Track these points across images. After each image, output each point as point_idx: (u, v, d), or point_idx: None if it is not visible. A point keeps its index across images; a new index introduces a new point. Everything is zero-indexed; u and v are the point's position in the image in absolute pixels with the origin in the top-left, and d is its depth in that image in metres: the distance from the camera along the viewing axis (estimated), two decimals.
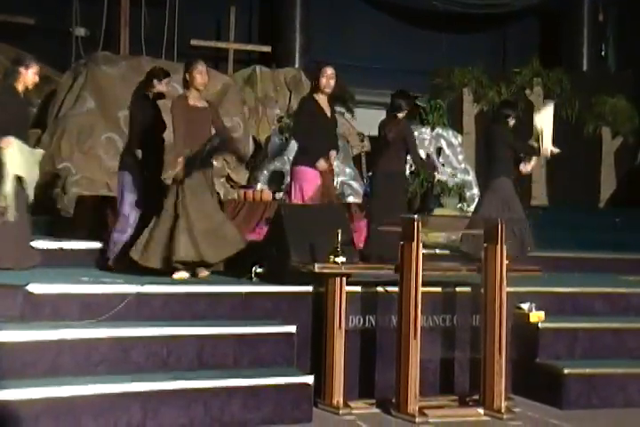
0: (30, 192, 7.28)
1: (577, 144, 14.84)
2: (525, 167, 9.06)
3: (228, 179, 11.13)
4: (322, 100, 8.00)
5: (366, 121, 14.75)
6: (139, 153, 7.69)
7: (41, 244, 7.72)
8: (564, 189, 14.50)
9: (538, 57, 15.58)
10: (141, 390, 5.63)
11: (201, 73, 7.44)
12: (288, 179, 8.73)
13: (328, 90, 7.94)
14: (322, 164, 7.79)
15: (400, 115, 8.71)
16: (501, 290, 6.59)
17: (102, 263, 7.68)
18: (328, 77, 7.91)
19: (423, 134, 12.88)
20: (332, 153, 8.00)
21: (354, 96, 13.95)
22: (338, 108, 13.62)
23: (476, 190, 12.60)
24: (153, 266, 7.07)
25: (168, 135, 7.66)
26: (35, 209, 7.92)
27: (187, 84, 7.51)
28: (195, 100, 7.45)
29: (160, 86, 7.89)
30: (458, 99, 14.57)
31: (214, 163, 7.60)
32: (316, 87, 8.01)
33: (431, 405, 6.47)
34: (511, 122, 8.96)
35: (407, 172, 8.88)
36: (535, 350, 7.19)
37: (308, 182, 7.75)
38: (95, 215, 8.86)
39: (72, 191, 9.98)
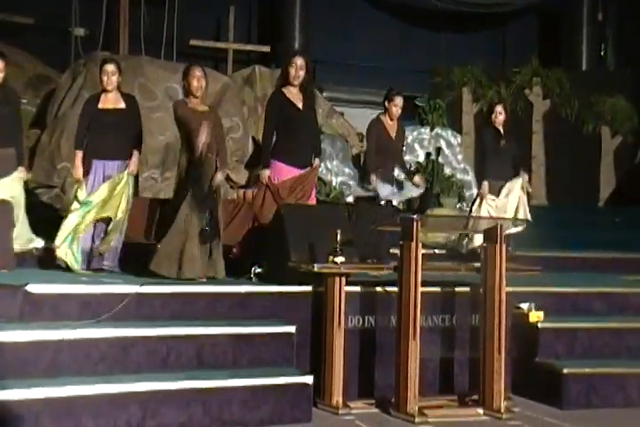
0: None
1: (576, 143, 14.88)
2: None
3: (228, 179, 11.11)
4: (292, 92, 7.74)
5: (365, 121, 14.77)
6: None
7: (40, 244, 7.71)
8: (564, 189, 14.51)
9: (537, 56, 15.61)
10: (141, 389, 5.63)
11: (197, 78, 7.32)
12: None
13: (296, 82, 7.69)
14: (264, 173, 7.65)
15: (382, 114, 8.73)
16: (501, 290, 6.59)
17: None
18: (297, 68, 7.64)
19: (422, 134, 12.92)
20: (316, 162, 7.81)
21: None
22: (338, 109, 13.66)
23: (475, 190, 12.61)
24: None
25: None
26: (34, 209, 7.92)
27: (185, 92, 7.46)
28: (195, 104, 7.37)
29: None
30: (457, 98, 14.58)
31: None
32: (284, 79, 7.76)
33: (430, 405, 6.47)
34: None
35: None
36: (534, 349, 7.20)
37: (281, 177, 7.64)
38: None
39: (71, 191, 9.97)
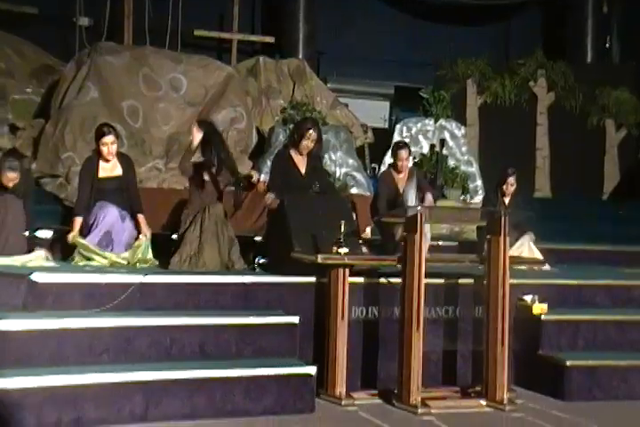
0: None
1: (580, 136, 14.85)
2: None
3: None
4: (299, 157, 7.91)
5: (369, 112, 14.75)
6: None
7: (45, 233, 7.70)
8: (568, 181, 14.49)
9: (541, 49, 15.55)
10: (144, 379, 5.65)
11: None
12: None
13: (305, 152, 7.83)
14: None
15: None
16: (504, 282, 6.58)
17: None
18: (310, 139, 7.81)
19: (427, 126, 12.91)
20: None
21: None
22: (342, 100, 13.65)
23: (479, 182, 12.63)
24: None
25: None
26: (39, 199, 7.92)
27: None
28: None
29: None
30: (462, 90, 14.56)
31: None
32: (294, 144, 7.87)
33: (433, 396, 6.48)
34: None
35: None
36: (537, 341, 7.20)
37: None
38: None
39: (76, 181, 9.97)
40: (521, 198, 9.34)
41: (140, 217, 7.59)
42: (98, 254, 7.10)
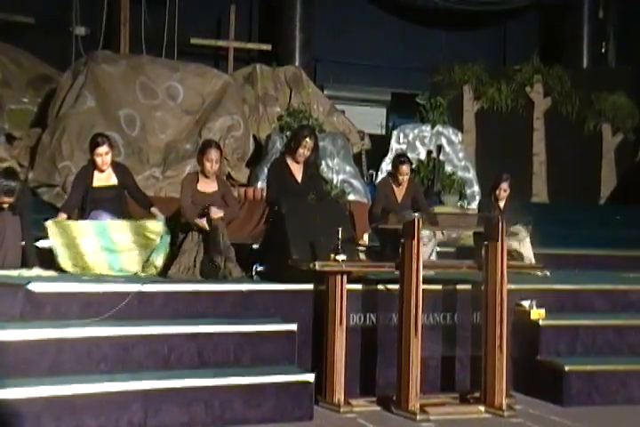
0: None
1: (577, 141, 14.89)
2: None
3: (229, 177, 11.14)
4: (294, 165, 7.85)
5: (366, 119, 14.77)
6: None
7: (42, 243, 7.70)
8: (565, 186, 14.52)
9: (538, 54, 15.60)
10: (142, 388, 5.63)
11: (211, 161, 7.36)
12: None
13: (301, 159, 7.76)
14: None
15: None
16: (502, 287, 6.58)
17: None
18: (307, 148, 7.70)
19: (423, 132, 12.94)
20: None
21: None
22: (339, 107, 13.67)
23: (476, 188, 12.65)
24: None
25: None
26: (36, 209, 7.91)
27: (200, 164, 7.49)
28: (204, 184, 7.43)
29: None
30: (458, 96, 14.59)
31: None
32: (290, 151, 7.80)
33: (432, 402, 6.47)
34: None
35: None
36: (536, 347, 7.19)
37: None
38: None
39: None
40: (518, 203, 9.37)
41: (154, 209, 7.57)
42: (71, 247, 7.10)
